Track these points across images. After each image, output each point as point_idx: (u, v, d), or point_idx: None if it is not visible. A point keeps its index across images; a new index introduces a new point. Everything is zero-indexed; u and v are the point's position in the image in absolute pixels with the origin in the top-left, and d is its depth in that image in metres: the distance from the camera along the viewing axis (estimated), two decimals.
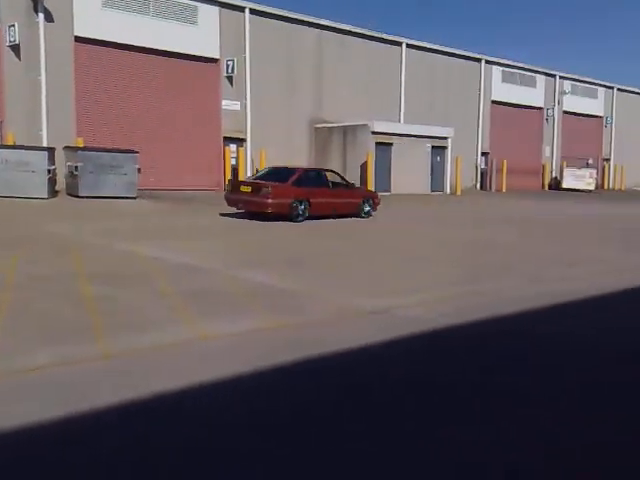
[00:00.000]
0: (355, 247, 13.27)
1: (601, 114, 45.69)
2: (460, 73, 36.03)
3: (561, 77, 42.18)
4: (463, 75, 36.25)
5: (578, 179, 39.69)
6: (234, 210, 17.44)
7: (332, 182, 18.93)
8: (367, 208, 19.06)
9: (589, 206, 28.37)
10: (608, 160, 46.01)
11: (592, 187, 39.58)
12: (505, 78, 38.84)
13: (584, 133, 43.96)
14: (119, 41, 23.76)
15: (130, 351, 5.35)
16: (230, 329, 6.14)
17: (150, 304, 7.08)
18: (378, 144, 28.90)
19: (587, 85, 44.54)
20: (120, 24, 23.63)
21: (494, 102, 38.09)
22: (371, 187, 27.99)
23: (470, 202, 28.10)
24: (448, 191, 32.23)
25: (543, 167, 41.31)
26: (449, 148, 32.39)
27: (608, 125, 46.03)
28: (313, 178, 18.36)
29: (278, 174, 17.73)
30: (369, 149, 28.37)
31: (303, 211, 16.91)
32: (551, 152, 42.02)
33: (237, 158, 27.00)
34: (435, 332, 6.32)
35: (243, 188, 17.06)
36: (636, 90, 48.28)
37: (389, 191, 28.90)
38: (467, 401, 4.53)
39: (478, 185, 37.35)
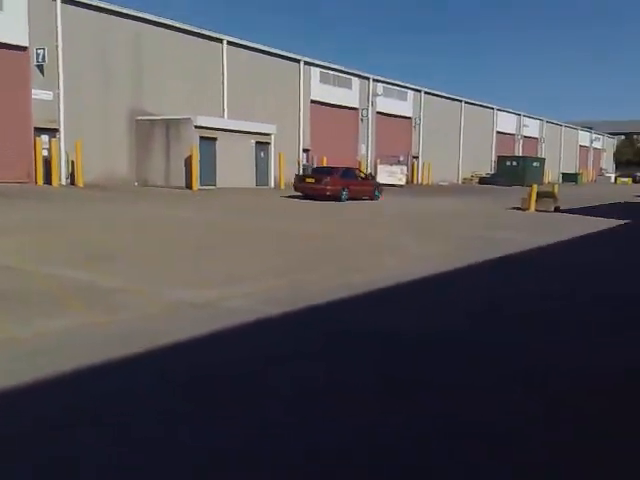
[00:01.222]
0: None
1: (410, 115, 49.26)
2: (281, 72, 36.94)
3: (374, 80, 44.87)
4: (284, 74, 37.20)
5: (391, 175, 42.30)
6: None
7: (360, 176, 28.68)
8: (377, 193, 28.00)
9: (406, 199, 30.50)
10: (417, 157, 49.75)
11: (403, 182, 42.48)
12: (323, 79, 40.49)
13: (396, 132, 47.13)
14: None
15: None
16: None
17: None
18: (202, 138, 28.75)
19: (398, 88, 47.82)
20: None
21: (313, 101, 39.55)
22: (196, 181, 27.86)
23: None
24: (272, 185, 32.93)
25: (359, 163, 43.63)
26: (272, 144, 33.10)
27: (417, 125, 49.77)
28: (349, 173, 27.66)
29: (325, 171, 27.56)
30: (193, 143, 28.14)
31: (345, 195, 25.78)
32: (366, 150, 44.55)
33: (49, 149, 25.39)
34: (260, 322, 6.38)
35: (308, 180, 26.48)
36: (441, 94, 52.66)
37: (214, 185, 28.92)
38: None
39: None
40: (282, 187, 33.00)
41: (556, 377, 4.83)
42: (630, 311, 7.43)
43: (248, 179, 31.37)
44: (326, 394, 4.31)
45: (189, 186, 28.01)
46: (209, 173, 28.91)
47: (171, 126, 28.93)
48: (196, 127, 28.50)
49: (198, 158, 28.00)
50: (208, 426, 3.70)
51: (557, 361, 5.22)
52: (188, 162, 28.11)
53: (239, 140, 30.87)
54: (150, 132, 29.25)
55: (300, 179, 26.92)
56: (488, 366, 5.02)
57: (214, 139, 29.47)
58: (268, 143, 32.94)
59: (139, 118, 29.13)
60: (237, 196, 25.86)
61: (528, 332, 6.10)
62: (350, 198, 25.90)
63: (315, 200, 24.80)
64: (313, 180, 26.10)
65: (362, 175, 29.50)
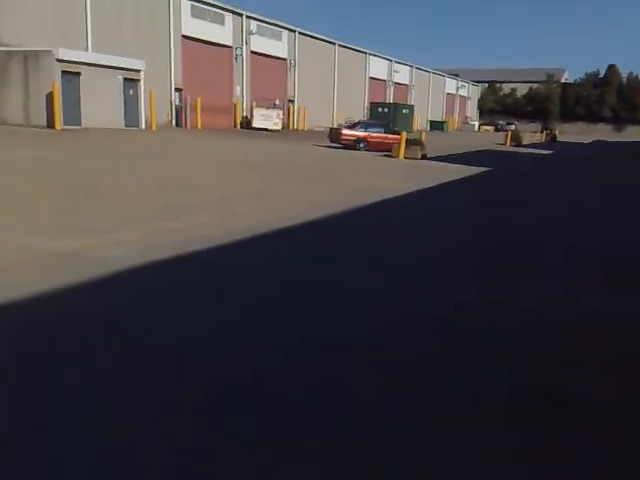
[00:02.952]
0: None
1: (285, 56, 48.67)
2: (149, 4, 34.97)
3: (248, 17, 43.65)
4: (152, 6, 35.26)
5: (267, 119, 41.94)
6: None
7: (384, 129, 29.63)
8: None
9: (277, 144, 30.41)
10: (292, 102, 49.52)
11: (279, 127, 42.32)
12: (195, 13, 38.78)
13: (271, 74, 46.48)
14: None
15: None
16: None
17: None
18: (65, 73, 26.86)
19: (272, 27, 46.87)
20: None
21: (185, 37, 37.94)
22: (59, 120, 26.09)
23: (166, 139, 27.95)
24: (143, 126, 31.56)
25: (235, 106, 42.78)
26: (142, 81, 31.54)
27: (292, 67, 49.32)
28: (372, 125, 30.26)
29: (352, 124, 31.39)
30: (55, 78, 26.21)
31: (362, 145, 28.20)
32: (242, 92, 43.66)
33: None
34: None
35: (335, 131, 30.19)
36: (316, 35, 52.27)
37: (79, 125, 27.26)
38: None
39: (174, 122, 37.25)
40: (154, 129, 31.72)
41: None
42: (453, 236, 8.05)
43: (116, 119, 29.81)
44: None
45: (51, 125, 26.17)
46: (73, 112, 27.14)
47: (30, 59, 26.70)
48: (58, 60, 26.53)
49: (60, 95, 26.17)
50: None
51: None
52: (49, 99, 26.20)
53: (105, 76, 29.12)
54: (6, 65, 26.85)
55: (333, 130, 30.70)
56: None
57: (78, 74, 27.61)
58: (137, 80, 31.34)
59: None
60: (100, 135, 24.58)
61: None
62: (370, 149, 27.78)
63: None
64: (337, 131, 29.85)
65: (392, 129, 30.14)
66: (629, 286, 6.74)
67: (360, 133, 28.75)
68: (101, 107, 28.54)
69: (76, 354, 4.08)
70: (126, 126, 30.24)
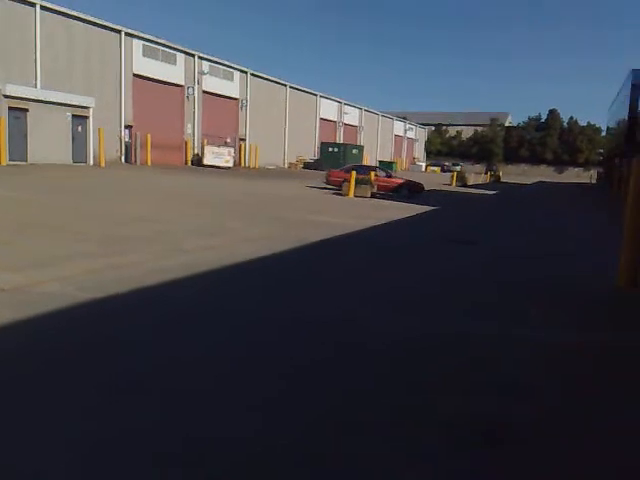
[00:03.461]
0: None
1: (237, 96, 49.22)
2: (100, 43, 35.00)
3: (200, 57, 44.10)
4: (104, 45, 35.28)
5: (218, 156, 42.14)
6: None
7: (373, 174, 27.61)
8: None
9: (228, 180, 30.56)
10: (244, 140, 49.93)
11: (230, 164, 42.54)
12: (146, 52, 38.99)
13: (223, 113, 46.88)
14: None
15: None
16: None
17: None
18: (12, 109, 26.55)
19: (224, 67, 47.44)
20: None
21: (136, 75, 38.00)
22: (4, 155, 25.68)
23: (113, 175, 27.74)
24: (92, 162, 31.29)
25: (186, 143, 42.87)
26: (91, 118, 31.41)
27: (244, 107, 49.86)
28: (360, 170, 27.53)
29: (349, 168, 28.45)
30: (1, 114, 25.85)
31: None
32: (193, 129, 43.81)
33: None
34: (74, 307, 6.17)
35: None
36: (267, 77, 53.15)
37: (25, 160, 26.86)
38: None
39: (123, 158, 37.01)
40: (102, 165, 31.46)
41: None
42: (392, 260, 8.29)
43: (64, 155, 29.54)
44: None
45: None
46: (19, 147, 26.81)
47: None
48: (4, 96, 26.27)
49: (6, 130, 25.81)
50: None
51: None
52: None
53: (54, 112, 28.94)
54: None
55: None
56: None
57: (25, 110, 27.33)
58: (86, 117, 31.20)
59: None
60: (45, 171, 24.24)
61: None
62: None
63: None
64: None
65: (377, 174, 28.13)
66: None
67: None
68: (49, 143, 28.26)
69: None
70: (74, 162, 29.97)
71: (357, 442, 3.56)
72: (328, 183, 28.72)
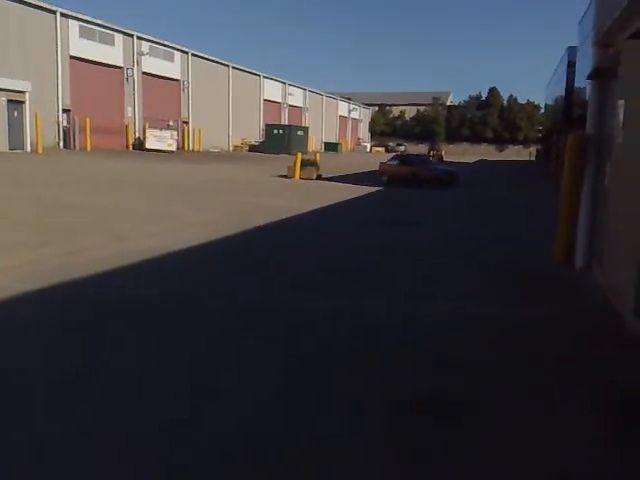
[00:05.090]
0: None
1: (179, 77, 48.30)
2: (35, 24, 33.74)
3: (139, 38, 42.96)
4: (39, 27, 34.04)
5: (160, 140, 41.39)
6: None
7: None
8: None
9: (171, 165, 30.15)
10: (187, 123, 49.10)
11: (174, 148, 41.83)
12: (83, 34, 37.81)
13: (164, 95, 45.95)
14: None
15: None
16: None
17: None
18: None
19: (164, 48, 46.42)
20: None
21: (73, 57, 36.84)
22: None
23: (51, 161, 27.02)
24: (29, 149, 30.35)
25: (127, 127, 41.91)
26: (27, 103, 30.40)
27: (185, 89, 48.99)
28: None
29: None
30: None
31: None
32: (133, 112, 42.83)
33: None
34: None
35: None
36: (209, 57, 52.28)
37: None
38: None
39: (62, 143, 35.98)
40: (40, 151, 30.53)
41: None
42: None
43: None
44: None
45: None
46: None
47: None
48: None
49: None
50: None
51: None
52: None
53: None
54: None
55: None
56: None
57: None
58: (22, 102, 30.18)
59: None
60: None
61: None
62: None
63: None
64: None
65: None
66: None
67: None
68: None
69: None
70: (10, 149, 29.03)
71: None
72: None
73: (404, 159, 27.41)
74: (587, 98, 12.07)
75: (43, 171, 22.21)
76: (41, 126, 31.11)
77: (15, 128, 29.65)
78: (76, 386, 4.10)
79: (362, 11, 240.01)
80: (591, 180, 8.71)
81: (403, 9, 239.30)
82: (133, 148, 41.59)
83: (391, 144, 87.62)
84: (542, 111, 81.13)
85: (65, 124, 36.15)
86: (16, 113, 29.76)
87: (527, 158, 78.36)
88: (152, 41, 44.55)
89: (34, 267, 7.29)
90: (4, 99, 28.94)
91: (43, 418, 3.63)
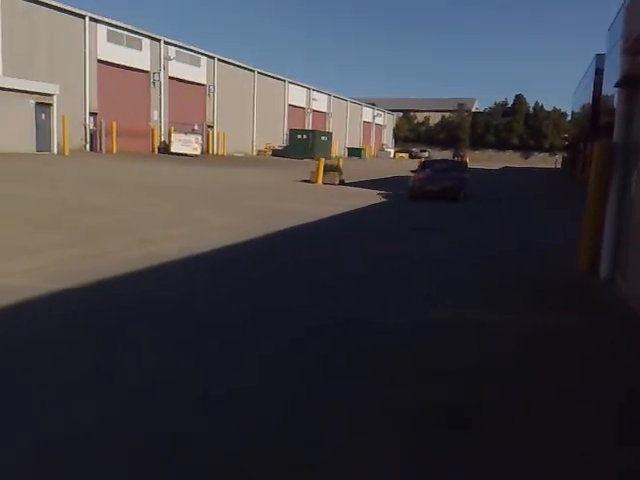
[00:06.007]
0: None
1: (204, 82, 48.73)
2: (64, 28, 34.34)
3: (166, 42, 43.51)
4: (67, 31, 34.63)
5: (185, 144, 41.79)
6: None
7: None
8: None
9: (198, 169, 30.37)
10: (212, 127, 49.50)
11: (198, 152, 42.22)
12: (111, 38, 38.38)
13: (190, 100, 46.40)
14: None
15: None
16: None
17: None
18: None
19: (191, 53, 46.89)
20: None
21: (100, 61, 37.40)
22: None
23: (77, 163, 27.39)
24: (56, 151, 30.81)
25: (152, 131, 42.36)
26: (55, 106, 30.88)
27: (211, 93, 49.41)
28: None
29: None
30: None
31: None
32: (159, 116, 43.29)
33: None
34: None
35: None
36: (235, 62, 52.65)
37: None
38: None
39: (88, 146, 36.48)
40: (67, 153, 30.98)
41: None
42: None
43: (27, 144, 29.02)
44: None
45: None
46: None
47: None
48: None
49: None
50: None
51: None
52: None
53: (16, 100, 28.36)
54: None
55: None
56: None
57: None
58: (50, 104, 30.66)
59: None
60: (7, 160, 23.84)
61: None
62: None
63: None
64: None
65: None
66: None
67: None
68: (11, 132, 27.74)
69: None
70: (37, 151, 29.48)
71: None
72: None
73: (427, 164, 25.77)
74: (615, 106, 11.93)
75: (69, 173, 22.52)
76: (68, 129, 31.60)
77: (42, 130, 30.14)
78: (97, 386, 4.14)
79: (391, 17, 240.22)
80: (617, 189, 8.58)
81: (431, 15, 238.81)
82: (158, 152, 42.05)
83: (415, 150, 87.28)
84: (568, 118, 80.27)
85: (92, 127, 36.66)
86: (44, 115, 30.25)
87: (552, 166, 77.52)
88: (179, 46, 45.06)
89: (59, 268, 7.37)
90: (32, 102, 29.43)
91: (67, 416, 3.67)
